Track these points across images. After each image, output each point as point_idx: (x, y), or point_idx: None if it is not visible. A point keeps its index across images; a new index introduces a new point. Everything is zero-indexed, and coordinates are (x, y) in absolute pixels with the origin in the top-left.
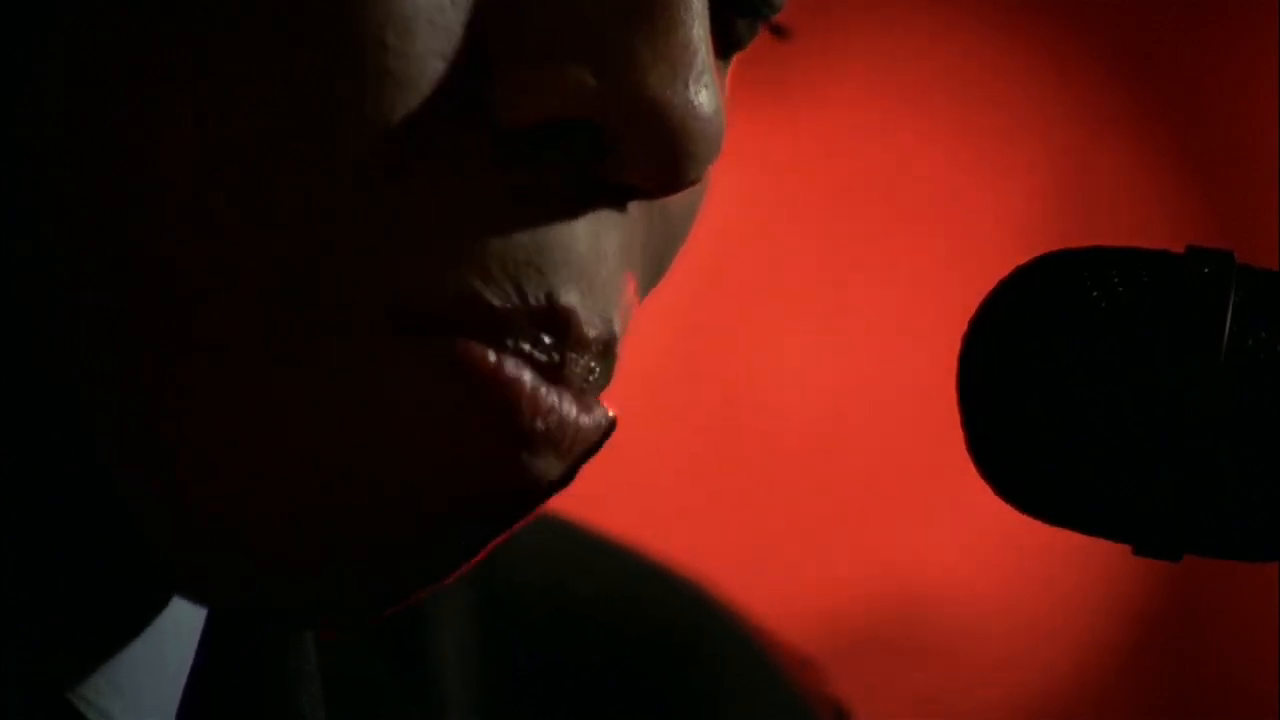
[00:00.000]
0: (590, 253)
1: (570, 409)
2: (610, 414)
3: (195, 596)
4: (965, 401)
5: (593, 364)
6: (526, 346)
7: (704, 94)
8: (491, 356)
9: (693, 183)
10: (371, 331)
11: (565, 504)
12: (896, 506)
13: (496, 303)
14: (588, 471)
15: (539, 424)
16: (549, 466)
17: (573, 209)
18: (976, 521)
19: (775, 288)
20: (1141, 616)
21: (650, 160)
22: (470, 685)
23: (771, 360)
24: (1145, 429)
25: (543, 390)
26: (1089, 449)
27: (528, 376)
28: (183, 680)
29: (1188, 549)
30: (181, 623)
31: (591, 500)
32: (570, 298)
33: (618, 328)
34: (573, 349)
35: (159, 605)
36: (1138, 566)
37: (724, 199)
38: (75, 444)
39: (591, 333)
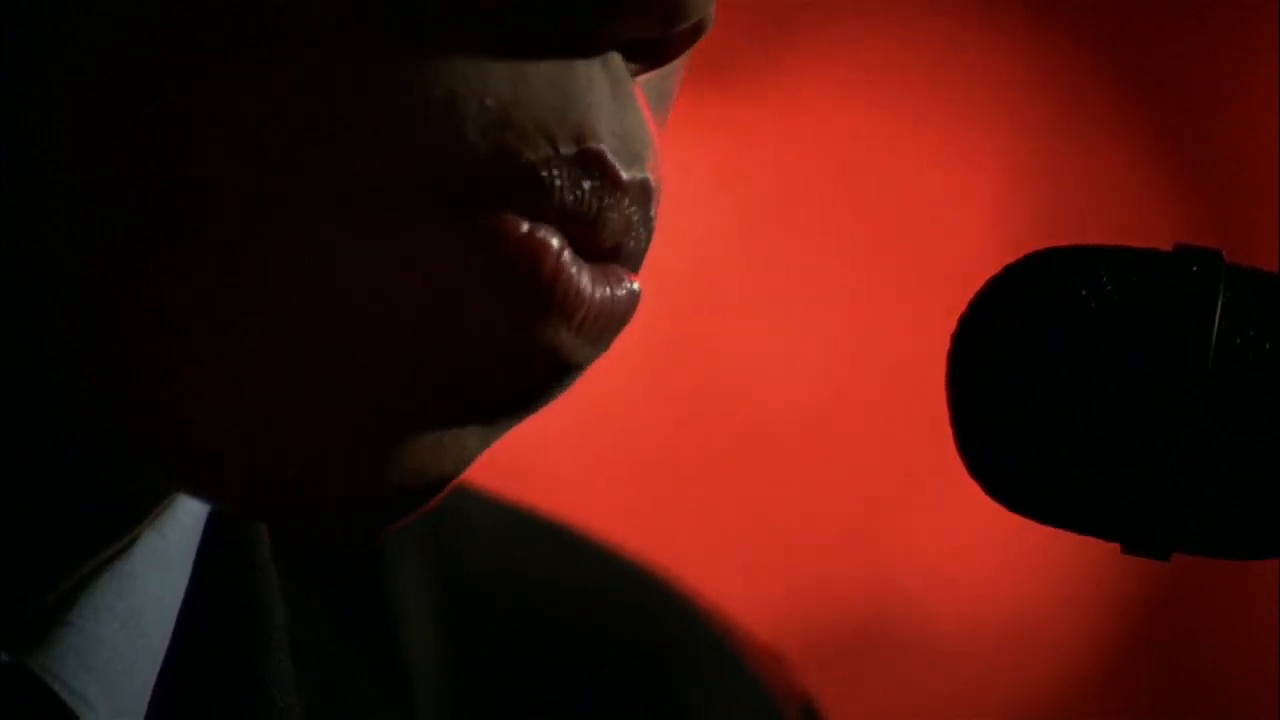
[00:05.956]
0: (611, 99)
1: (591, 285)
2: (635, 285)
3: (213, 497)
4: (954, 399)
5: (632, 209)
6: (570, 198)
7: None
8: (525, 226)
9: (699, 28)
10: (404, 203)
11: (544, 496)
12: (883, 504)
13: (530, 155)
14: (564, 464)
15: (560, 294)
16: (570, 342)
17: (587, 59)
18: (964, 520)
19: (763, 283)
20: (1133, 616)
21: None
22: (434, 674)
23: (757, 355)
24: (1134, 427)
25: (566, 258)
26: (1077, 447)
27: (555, 242)
28: (158, 664)
29: (1176, 547)
30: (158, 607)
31: (570, 495)
32: (600, 141)
33: (653, 178)
34: (610, 194)
35: (115, 553)
36: (1129, 565)
37: (709, 193)
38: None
39: (626, 175)
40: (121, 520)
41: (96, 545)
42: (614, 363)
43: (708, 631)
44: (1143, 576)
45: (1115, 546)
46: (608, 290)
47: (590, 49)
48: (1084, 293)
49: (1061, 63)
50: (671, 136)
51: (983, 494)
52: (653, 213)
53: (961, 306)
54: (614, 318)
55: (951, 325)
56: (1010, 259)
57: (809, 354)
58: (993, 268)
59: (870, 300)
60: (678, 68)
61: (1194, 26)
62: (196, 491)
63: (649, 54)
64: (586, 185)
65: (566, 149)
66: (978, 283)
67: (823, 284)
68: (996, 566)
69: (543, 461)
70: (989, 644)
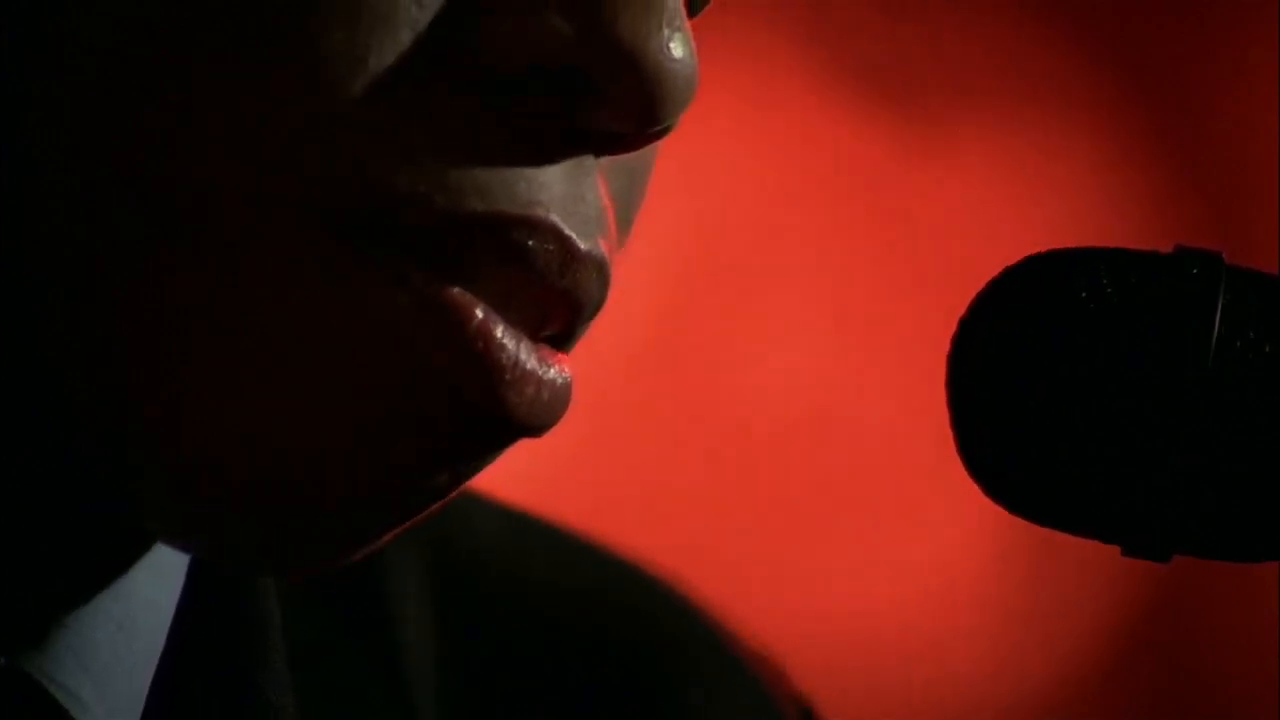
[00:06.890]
0: (566, 192)
1: (526, 355)
2: (567, 373)
3: (166, 534)
4: (954, 401)
5: (594, 277)
6: (527, 256)
7: (676, 37)
8: (437, 281)
9: (667, 128)
10: (324, 233)
11: (545, 498)
12: (883, 506)
13: (455, 209)
14: (569, 469)
15: (480, 345)
16: (486, 394)
17: (550, 153)
18: (964, 520)
19: (763, 285)
20: (1133, 616)
21: (626, 103)
22: (433, 674)
23: (758, 358)
24: (1134, 429)
25: (492, 320)
26: (1077, 447)
27: (479, 306)
28: (153, 667)
29: (1176, 549)
30: (153, 611)
31: (573, 496)
32: (549, 215)
33: (608, 265)
34: (566, 257)
35: (115, 570)
36: (1129, 565)
37: (710, 194)
38: (36, 382)
39: (583, 245)
40: (122, 524)
41: (97, 547)
42: (615, 364)
43: (708, 631)
44: (1143, 576)
45: (1115, 547)
46: (550, 368)
47: (558, 146)
48: (1084, 294)
49: (1061, 63)
50: (674, 136)
51: (982, 495)
52: (606, 289)
53: (961, 308)
54: (540, 382)
55: (952, 327)
56: (1010, 260)
57: (809, 356)
58: (992, 269)
59: (870, 302)
60: (652, 147)
61: (1193, 25)
62: (190, 532)
63: (614, 145)
64: (532, 243)
65: (511, 209)
66: (978, 284)
67: (822, 285)
68: (996, 567)
69: (543, 462)
70: (989, 644)
